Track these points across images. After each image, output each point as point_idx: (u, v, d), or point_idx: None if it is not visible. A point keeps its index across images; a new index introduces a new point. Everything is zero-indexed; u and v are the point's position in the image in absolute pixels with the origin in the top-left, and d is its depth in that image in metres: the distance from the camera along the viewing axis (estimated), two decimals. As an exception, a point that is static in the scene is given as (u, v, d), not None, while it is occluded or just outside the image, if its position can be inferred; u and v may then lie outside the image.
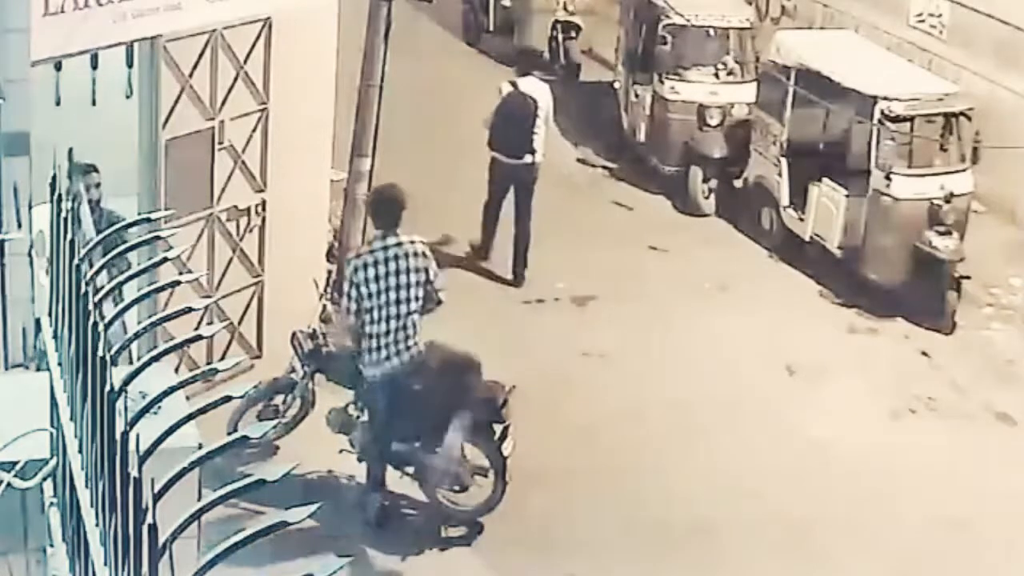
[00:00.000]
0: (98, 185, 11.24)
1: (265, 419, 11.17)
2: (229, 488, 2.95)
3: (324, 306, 11.62)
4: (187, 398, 3.80)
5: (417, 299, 10.49)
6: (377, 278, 10.36)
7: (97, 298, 3.69)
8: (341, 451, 11.05)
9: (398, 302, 10.44)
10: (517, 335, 14.03)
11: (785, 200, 16.06)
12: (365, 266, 10.36)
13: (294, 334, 11.32)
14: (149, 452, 3.07)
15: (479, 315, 14.20)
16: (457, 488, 10.88)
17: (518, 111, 14.84)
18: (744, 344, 14.08)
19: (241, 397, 3.27)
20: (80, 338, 3.71)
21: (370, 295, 10.38)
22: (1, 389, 5.52)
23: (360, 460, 10.99)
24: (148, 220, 5.01)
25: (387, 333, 10.48)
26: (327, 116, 12.81)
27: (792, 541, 11.23)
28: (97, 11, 10.44)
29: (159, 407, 3.29)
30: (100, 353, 3.39)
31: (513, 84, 15.17)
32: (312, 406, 11.42)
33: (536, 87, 15.12)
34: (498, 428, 10.83)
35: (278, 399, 11.43)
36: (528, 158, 14.90)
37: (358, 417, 11.02)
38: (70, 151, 9.30)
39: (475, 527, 11.03)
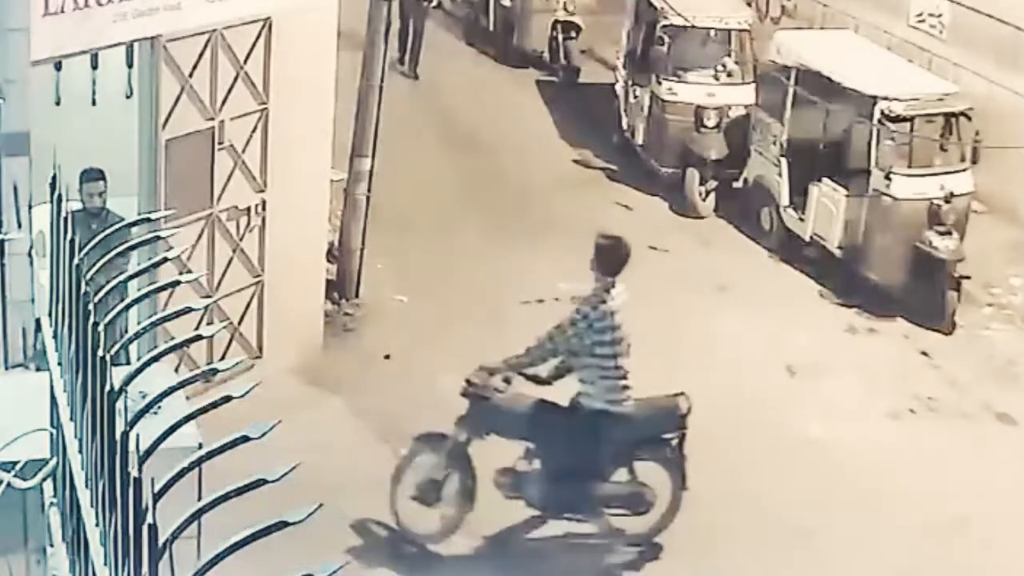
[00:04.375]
0: (102, 193, 11.21)
1: (423, 496, 10.57)
2: (229, 488, 2.95)
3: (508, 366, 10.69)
4: (187, 398, 3.80)
5: None
6: (617, 326, 10.43)
7: (97, 298, 3.69)
8: (508, 497, 10.65)
9: (628, 345, 10.57)
10: (517, 335, 14.01)
11: (785, 200, 16.06)
12: (612, 313, 10.38)
13: (469, 383, 10.56)
14: (149, 452, 3.07)
15: (478, 316, 14.21)
16: (642, 510, 10.68)
17: None
18: (744, 344, 14.07)
19: (241, 397, 3.25)
20: (80, 338, 3.70)
21: (613, 342, 10.39)
22: (1, 389, 5.52)
23: (539, 509, 10.68)
24: (148, 220, 5.01)
25: (625, 375, 10.52)
26: (327, 116, 12.81)
27: (791, 541, 11.22)
28: (97, 11, 10.44)
29: (159, 407, 3.29)
30: (100, 353, 3.39)
31: None
32: (474, 481, 10.61)
33: None
34: (675, 439, 10.73)
35: (438, 471, 10.56)
36: None
37: (530, 469, 10.62)
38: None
39: (652, 546, 10.85)
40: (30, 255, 9.89)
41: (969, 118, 15.12)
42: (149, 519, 2.86)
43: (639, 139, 17.84)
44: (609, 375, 10.42)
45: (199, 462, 3.09)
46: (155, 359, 3.48)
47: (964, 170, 15.16)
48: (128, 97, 12.20)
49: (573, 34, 20.61)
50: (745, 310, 14.72)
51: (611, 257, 10.60)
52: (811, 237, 15.72)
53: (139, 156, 11.45)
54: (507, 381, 10.47)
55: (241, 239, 12.31)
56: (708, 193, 17.02)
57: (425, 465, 10.60)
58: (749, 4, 19.64)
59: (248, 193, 12.26)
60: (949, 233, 14.75)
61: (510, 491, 10.62)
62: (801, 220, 15.84)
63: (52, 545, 4.26)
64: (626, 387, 10.50)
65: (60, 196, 4.12)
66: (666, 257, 16.04)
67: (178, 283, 4.04)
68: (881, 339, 14.66)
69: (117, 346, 3.63)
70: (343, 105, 13.37)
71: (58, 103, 12.26)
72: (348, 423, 12.40)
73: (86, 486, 3.60)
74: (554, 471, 10.55)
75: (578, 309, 10.42)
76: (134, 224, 4.64)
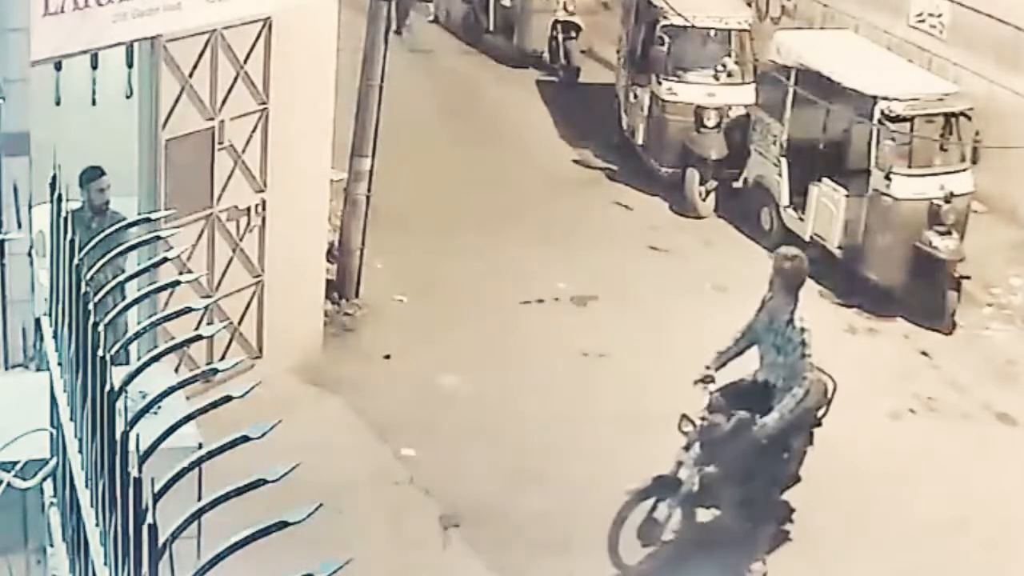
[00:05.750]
0: (105, 189, 11.20)
1: (646, 538, 10.65)
2: (229, 488, 2.95)
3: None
4: (187, 398, 3.80)
5: None
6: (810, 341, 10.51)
7: (97, 298, 3.69)
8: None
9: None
10: (517, 335, 14.03)
11: (785, 200, 16.06)
12: (807, 331, 10.47)
13: (690, 421, 10.70)
14: (149, 452, 3.07)
15: (478, 315, 14.22)
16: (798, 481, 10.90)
17: None
18: (744, 344, 14.05)
19: (241, 397, 3.25)
20: (80, 338, 3.71)
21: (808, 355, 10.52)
22: (1, 389, 5.52)
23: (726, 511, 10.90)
24: (148, 220, 5.01)
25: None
26: (327, 116, 12.81)
27: (792, 541, 11.23)
28: (97, 11, 10.44)
29: (159, 407, 3.29)
30: (100, 353, 3.39)
31: None
32: (695, 513, 10.84)
33: None
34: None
35: (660, 511, 10.64)
36: None
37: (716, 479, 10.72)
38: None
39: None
40: (30, 255, 9.89)
41: (969, 118, 15.12)
42: (149, 519, 2.86)
43: (639, 139, 17.84)
44: (804, 384, 10.52)
45: (199, 462, 3.09)
46: (155, 359, 3.48)
47: (964, 170, 15.16)
48: (128, 97, 12.19)
49: (573, 34, 20.62)
50: (745, 310, 14.64)
51: (794, 274, 10.58)
52: (811, 237, 15.71)
53: (139, 156, 11.45)
54: (709, 380, 10.74)
55: (241, 239, 12.31)
56: (708, 193, 17.03)
57: (646, 508, 10.67)
58: (749, 4, 19.64)
59: (248, 193, 12.26)
60: (949, 233, 14.75)
61: (703, 503, 10.78)
62: (801, 220, 15.84)
63: (52, 545, 4.26)
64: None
65: (60, 196, 4.12)
66: (666, 257, 16.04)
67: (178, 283, 4.04)
68: (881, 339, 14.66)
69: (117, 346, 3.63)
70: (343, 105, 13.38)
71: (58, 103, 12.26)
72: (348, 423, 12.40)
73: (86, 486, 3.60)
74: (744, 474, 10.67)
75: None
76: (134, 224, 4.65)
